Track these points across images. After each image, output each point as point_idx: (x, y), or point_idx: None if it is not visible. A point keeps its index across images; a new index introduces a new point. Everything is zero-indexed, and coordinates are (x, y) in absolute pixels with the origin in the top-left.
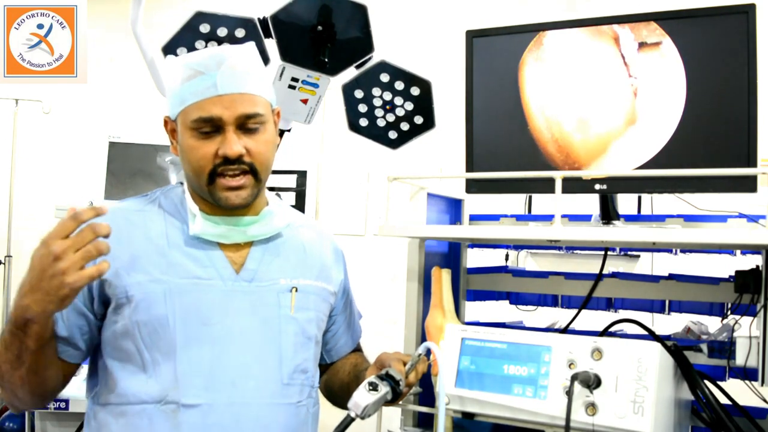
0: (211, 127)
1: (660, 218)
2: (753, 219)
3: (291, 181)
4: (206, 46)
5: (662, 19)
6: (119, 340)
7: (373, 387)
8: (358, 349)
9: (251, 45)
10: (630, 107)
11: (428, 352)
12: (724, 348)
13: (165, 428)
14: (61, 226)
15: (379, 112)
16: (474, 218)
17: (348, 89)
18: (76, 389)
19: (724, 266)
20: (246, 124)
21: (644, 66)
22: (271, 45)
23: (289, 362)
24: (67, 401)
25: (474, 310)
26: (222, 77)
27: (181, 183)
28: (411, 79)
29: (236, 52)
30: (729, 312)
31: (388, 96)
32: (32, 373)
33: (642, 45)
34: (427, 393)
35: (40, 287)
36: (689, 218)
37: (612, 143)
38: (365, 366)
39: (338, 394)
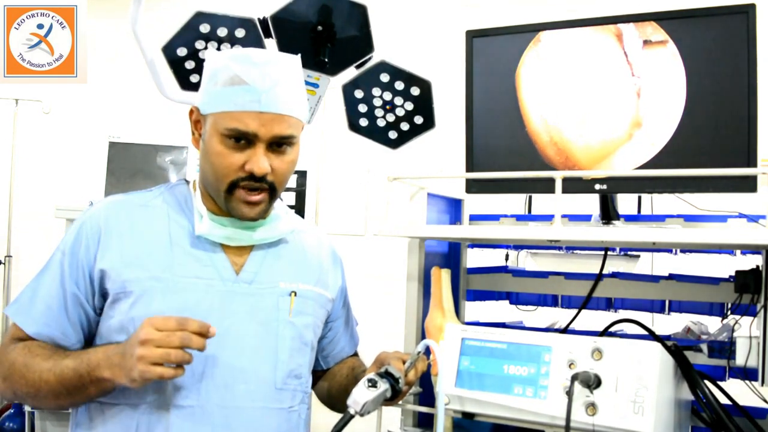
0: (243, 139)
1: (660, 218)
2: (753, 219)
3: (291, 181)
4: (206, 47)
5: (662, 19)
6: (114, 336)
7: (372, 384)
8: (355, 356)
9: (297, 59)
10: (634, 110)
11: (428, 350)
12: (724, 348)
13: (155, 428)
14: (165, 320)
15: (379, 112)
16: (474, 218)
17: (348, 89)
18: None
19: (724, 266)
20: (277, 144)
21: (647, 64)
22: (271, 45)
23: (284, 367)
24: None
25: (474, 310)
26: (267, 96)
27: (186, 180)
28: (411, 79)
29: (284, 68)
30: (729, 312)
31: (388, 96)
32: (73, 405)
33: (647, 42)
34: (427, 393)
35: (121, 358)
36: (689, 218)
37: (617, 149)
38: (363, 369)
39: (336, 397)
